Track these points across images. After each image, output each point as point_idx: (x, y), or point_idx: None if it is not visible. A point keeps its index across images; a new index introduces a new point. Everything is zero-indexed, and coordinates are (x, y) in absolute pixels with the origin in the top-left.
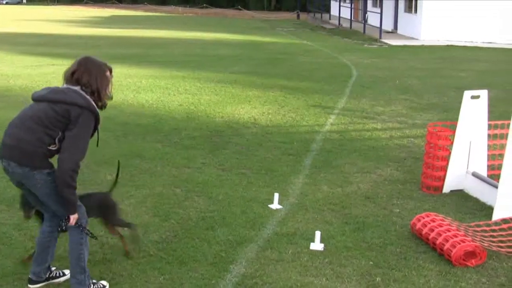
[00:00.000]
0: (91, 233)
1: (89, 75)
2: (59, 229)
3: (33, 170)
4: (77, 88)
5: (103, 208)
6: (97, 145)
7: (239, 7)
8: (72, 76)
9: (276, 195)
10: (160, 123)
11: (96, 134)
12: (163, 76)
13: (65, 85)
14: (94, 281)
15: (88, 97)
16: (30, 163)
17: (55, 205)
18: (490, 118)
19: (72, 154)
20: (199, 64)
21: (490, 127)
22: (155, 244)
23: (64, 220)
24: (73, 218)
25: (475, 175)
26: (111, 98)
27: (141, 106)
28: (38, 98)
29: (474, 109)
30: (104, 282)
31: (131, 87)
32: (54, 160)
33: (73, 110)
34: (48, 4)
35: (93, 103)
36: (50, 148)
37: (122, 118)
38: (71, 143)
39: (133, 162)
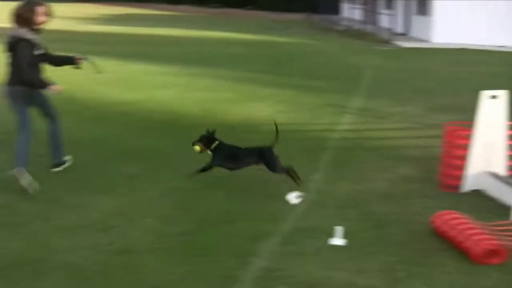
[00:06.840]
0: None
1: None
2: None
3: None
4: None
5: (267, 158)
6: None
7: (249, 7)
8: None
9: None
10: (177, 120)
11: None
12: (179, 74)
13: None
14: None
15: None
16: None
17: None
18: (508, 119)
19: None
20: (214, 62)
21: (509, 127)
22: (177, 236)
23: None
24: None
25: (494, 175)
26: None
27: (158, 103)
28: None
29: (493, 109)
30: None
31: (147, 84)
32: None
33: None
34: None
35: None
36: None
37: (139, 115)
38: None
39: (152, 155)
